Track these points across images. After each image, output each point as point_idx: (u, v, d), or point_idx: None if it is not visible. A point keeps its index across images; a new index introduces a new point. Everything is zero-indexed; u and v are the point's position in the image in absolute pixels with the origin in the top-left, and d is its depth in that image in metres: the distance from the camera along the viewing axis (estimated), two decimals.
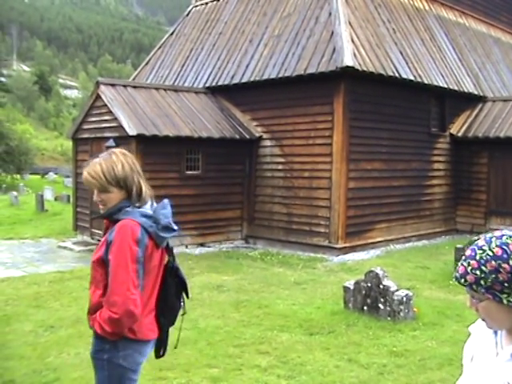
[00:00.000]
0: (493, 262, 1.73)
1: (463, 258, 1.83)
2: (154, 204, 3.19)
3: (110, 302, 2.91)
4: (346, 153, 13.04)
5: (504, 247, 1.74)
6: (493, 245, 1.76)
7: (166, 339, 3.34)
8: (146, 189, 3.13)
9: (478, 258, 1.77)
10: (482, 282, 1.75)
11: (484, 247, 1.77)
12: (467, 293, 1.85)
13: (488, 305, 1.79)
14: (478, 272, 1.75)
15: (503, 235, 1.78)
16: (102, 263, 3.01)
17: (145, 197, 3.11)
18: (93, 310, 3.08)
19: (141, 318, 3.02)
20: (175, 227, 3.18)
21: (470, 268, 1.78)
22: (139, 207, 3.07)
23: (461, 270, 1.81)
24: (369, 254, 13.18)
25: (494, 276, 1.73)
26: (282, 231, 14.24)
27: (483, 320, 1.87)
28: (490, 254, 1.75)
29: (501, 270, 1.72)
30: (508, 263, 1.72)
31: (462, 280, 1.80)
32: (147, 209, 3.10)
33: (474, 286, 1.77)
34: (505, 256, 1.72)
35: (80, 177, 15.80)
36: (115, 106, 13.22)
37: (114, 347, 3.04)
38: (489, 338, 1.93)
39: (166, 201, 3.23)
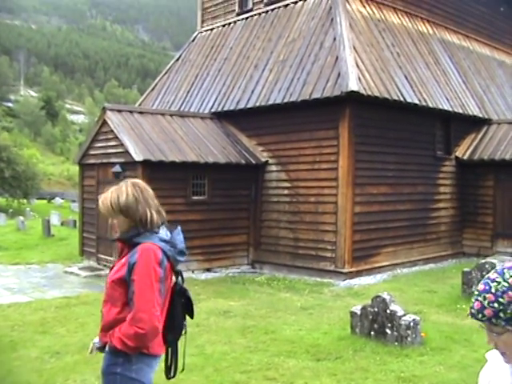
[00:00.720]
0: (510, 293, 1.71)
1: (476, 293, 1.80)
2: (165, 229, 3.35)
3: (136, 319, 3.04)
4: (351, 177, 13.05)
5: None
6: (506, 275, 1.74)
7: (177, 360, 3.41)
8: (153, 217, 3.26)
9: (493, 290, 1.74)
10: (502, 315, 1.72)
11: (498, 279, 1.75)
12: (484, 329, 1.81)
13: (509, 337, 1.75)
14: (495, 305, 1.72)
15: None
16: (124, 283, 3.16)
17: (152, 224, 3.25)
18: (107, 328, 3.20)
19: None
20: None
21: (486, 302, 1.74)
22: (156, 232, 3.25)
23: (476, 305, 1.77)
24: (375, 279, 13.12)
25: None
26: (288, 256, 14.21)
27: (502, 354, 1.83)
28: (506, 284, 1.73)
29: None
30: None
31: (480, 315, 1.76)
32: (163, 234, 3.27)
33: (494, 320, 1.74)
34: None
35: (86, 202, 15.81)
36: (121, 131, 13.31)
37: (127, 361, 3.15)
38: (505, 366, 1.90)
39: (179, 228, 3.43)
